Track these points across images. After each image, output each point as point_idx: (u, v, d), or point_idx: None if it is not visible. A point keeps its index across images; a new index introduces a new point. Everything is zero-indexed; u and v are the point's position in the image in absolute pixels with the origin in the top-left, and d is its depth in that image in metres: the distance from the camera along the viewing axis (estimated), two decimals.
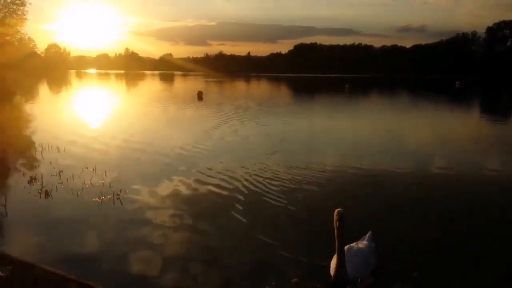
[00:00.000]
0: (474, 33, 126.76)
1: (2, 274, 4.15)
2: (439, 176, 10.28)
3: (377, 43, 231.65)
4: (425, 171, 10.65)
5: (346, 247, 5.13)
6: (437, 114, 26.37)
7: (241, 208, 7.67)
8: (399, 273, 5.21)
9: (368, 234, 5.61)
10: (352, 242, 5.39)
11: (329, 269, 5.02)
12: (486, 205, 8.09)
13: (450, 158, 12.34)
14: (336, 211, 4.85)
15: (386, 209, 7.77)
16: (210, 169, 10.32)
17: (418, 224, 7.00)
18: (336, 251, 4.80)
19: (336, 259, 4.84)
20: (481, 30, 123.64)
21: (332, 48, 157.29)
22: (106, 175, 9.58)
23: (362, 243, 5.37)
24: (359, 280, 4.85)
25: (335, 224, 4.79)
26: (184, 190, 8.66)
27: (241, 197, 8.26)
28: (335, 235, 4.81)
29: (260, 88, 62.05)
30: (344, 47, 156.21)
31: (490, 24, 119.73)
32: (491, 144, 15.40)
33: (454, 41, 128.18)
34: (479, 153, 13.40)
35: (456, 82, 60.56)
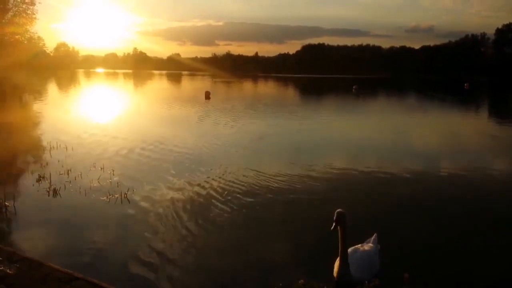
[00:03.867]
0: (483, 34, 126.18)
1: (10, 272, 4.18)
2: (447, 178, 10.19)
3: (385, 43, 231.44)
4: (432, 173, 10.58)
5: (351, 249, 5.16)
6: (446, 115, 26.21)
7: (247, 207, 7.67)
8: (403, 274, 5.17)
9: (373, 236, 5.58)
10: (358, 244, 5.39)
11: (333, 270, 5.03)
12: (493, 208, 8.01)
13: (458, 160, 12.25)
14: (336, 211, 4.87)
15: (392, 211, 7.73)
16: (217, 169, 10.33)
17: (425, 226, 6.95)
18: (339, 251, 4.81)
19: (339, 260, 4.85)
20: (489, 31, 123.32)
21: (340, 48, 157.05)
22: (114, 174, 9.62)
23: (367, 245, 5.35)
24: (366, 282, 4.83)
25: (334, 224, 4.82)
26: (191, 189, 8.65)
27: (248, 197, 8.25)
28: (339, 236, 4.83)
29: (268, 88, 62.00)
30: (352, 48, 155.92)
31: (499, 25, 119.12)
32: (500, 147, 15.28)
33: (463, 42, 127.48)
34: (488, 156, 13.30)
35: (465, 84, 60.15)
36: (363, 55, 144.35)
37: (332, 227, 4.85)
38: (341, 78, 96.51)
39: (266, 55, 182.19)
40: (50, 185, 8.59)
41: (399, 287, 4.88)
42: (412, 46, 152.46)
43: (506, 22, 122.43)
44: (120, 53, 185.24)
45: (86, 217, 7.14)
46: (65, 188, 8.54)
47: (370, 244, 5.39)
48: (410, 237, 6.49)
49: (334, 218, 4.84)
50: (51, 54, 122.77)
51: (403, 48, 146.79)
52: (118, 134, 15.58)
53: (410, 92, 53.37)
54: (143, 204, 7.78)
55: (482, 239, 6.50)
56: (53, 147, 12.35)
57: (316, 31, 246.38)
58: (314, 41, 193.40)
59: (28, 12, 49.02)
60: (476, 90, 59.03)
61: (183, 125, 19.32)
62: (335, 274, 4.92)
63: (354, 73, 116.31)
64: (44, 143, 13.09)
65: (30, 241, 6.13)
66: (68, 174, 9.56)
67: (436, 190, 9.20)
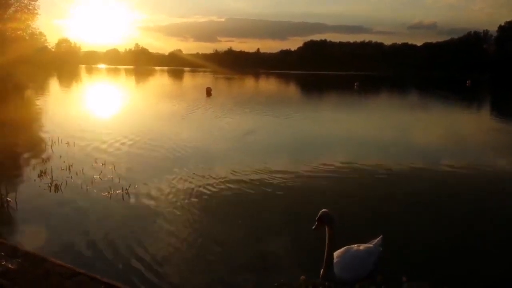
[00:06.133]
0: (485, 32, 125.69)
1: (11, 267, 4.18)
2: (450, 177, 10.15)
3: (387, 40, 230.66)
4: (436, 172, 10.54)
5: (344, 248, 5.13)
6: (448, 113, 26.16)
7: (248, 204, 7.69)
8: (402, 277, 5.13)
9: (379, 237, 5.46)
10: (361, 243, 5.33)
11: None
12: (498, 207, 7.97)
13: (462, 159, 12.16)
14: (320, 211, 4.82)
15: (393, 211, 7.69)
16: (217, 166, 10.33)
17: (426, 227, 6.91)
18: (325, 253, 4.79)
19: (324, 261, 4.82)
20: (492, 28, 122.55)
21: (342, 45, 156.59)
22: (115, 170, 9.63)
23: (363, 246, 5.24)
24: (357, 284, 4.80)
25: (316, 224, 4.78)
26: (192, 185, 8.66)
27: (248, 193, 8.27)
28: (326, 237, 4.80)
29: (269, 85, 61.98)
30: (354, 45, 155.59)
31: (501, 23, 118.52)
32: (505, 145, 15.24)
33: (466, 39, 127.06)
34: (492, 154, 13.25)
35: (467, 81, 60.06)
36: (365, 51, 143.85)
37: (314, 226, 4.78)
38: (343, 75, 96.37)
39: (268, 51, 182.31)
40: (52, 181, 8.60)
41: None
42: (414, 43, 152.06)
43: (508, 19, 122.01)
44: (121, 49, 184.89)
45: (87, 213, 7.15)
46: (66, 183, 8.55)
47: (368, 245, 5.29)
48: (410, 237, 6.46)
49: (317, 217, 4.78)
50: (53, 50, 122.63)
51: (405, 45, 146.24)
52: (119, 130, 15.59)
53: (412, 89, 53.28)
54: (144, 199, 7.79)
55: (486, 239, 6.46)
56: (55, 143, 12.36)
57: (318, 27, 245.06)
58: (316, 37, 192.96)
59: (30, 7, 49.04)
60: (478, 87, 58.91)
61: (185, 121, 19.30)
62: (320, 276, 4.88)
63: (356, 69, 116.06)
64: (46, 139, 13.10)
65: (31, 236, 6.15)
66: (69, 169, 9.57)
67: (438, 189, 9.12)
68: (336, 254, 4.97)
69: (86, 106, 26.27)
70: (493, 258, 5.79)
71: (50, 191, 8.13)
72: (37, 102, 27.06)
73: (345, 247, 5.16)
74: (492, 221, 7.17)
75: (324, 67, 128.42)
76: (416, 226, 6.89)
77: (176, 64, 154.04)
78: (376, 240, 5.44)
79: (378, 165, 10.70)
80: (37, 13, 50.73)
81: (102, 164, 10.08)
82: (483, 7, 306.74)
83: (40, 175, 9.06)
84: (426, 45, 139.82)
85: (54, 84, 50.20)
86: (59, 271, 4.12)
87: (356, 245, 5.25)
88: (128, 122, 18.77)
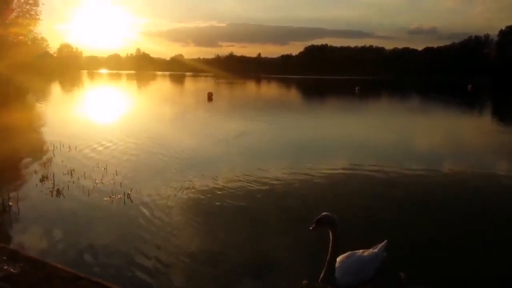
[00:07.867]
0: (486, 36, 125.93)
1: (13, 271, 4.19)
2: (451, 180, 10.14)
3: (388, 45, 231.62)
4: (438, 176, 10.53)
5: (348, 253, 5.12)
6: (450, 118, 26.15)
7: (250, 209, 7.67)
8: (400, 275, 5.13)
9: (383, 242, 5.39)
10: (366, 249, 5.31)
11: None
12: (498, 208, 7.95)
13: (462, 161, 12.18)
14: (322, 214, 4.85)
15: (395, 214, 7.69)
16: (218, 170, 10.32)
17: (428, 229, 6.90)
18: (328, 256, 4.80)
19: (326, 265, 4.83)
20: (492, 32, 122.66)
21: (343, 50, 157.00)
22: (117, 175, 9.63)
23: (367, 251, 5.22)
24: None
25: (314, 225, 4.81)
26: (193, 190, 8.65)
27: (250, 198, 8.24)
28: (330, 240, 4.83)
29: (271, 90, 62.10)
30: (355, 49, 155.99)
31: (502, 27, 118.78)
32: (505, 148, 15.22)
33: (466, 44, 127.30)
34: (492, 157, 13.23)
35: (468, 86, 60.05)
36: (366, 56, 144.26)
37: (312, 227, 4.81)
38: (344, 80, 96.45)
39: (269, 56, 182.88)
40: (54, 185, 8.61)
41: None
42: (415, 47, 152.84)
43: (509, 23, 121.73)
44: (123, 54, 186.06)
45: (89, 217, 7.16)
46: (68, 188, 8.56)
47: (372, 250, 5.25)
48: (411, 239, 6.45)
49: (316, 218, 4.80)
50: (55, 55, 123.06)
51: (406, 50, 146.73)
52: (121, 135, 15.60)
53: (413, 94, 53.27)
54: (146, 204, 7.78)
55: (486, 239, 6.44)
56: (57, 148, 12.38)
57: (318, 32, 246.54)
58: (317, 42, 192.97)
59: (32, 13, 49.31)
60: (479, 92, 58.88)
61: (186, 126, 19.34)
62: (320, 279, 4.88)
63: (357, 74, 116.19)
64: (48, 144, 13.12)
65: (33, 240, 6.15)
66: (71, 174, 9.58)
67: (439, 192, 9.11)
68: (339, 259, 4.96)
69: (88, 111, 26.29)
70: (493, 258, 5.78)
71: (52, 196, 8.14)
72: (39, 107, 27.14)
73: (349, 252, 5.14)
74: (492, 222, 7.17)
75: (325, 71, 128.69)
76: (417, 228, 6.88)
77: (177, 69, 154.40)
78: (380, 245, 5.39)
79: (379, 168, 10.68)
80: (39, 19, 51.10)
81: (104, 169, 10.09)
82: (483, 11, 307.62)
83: (42, 180, 9.07)
84: (427, 50, 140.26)
85: (55, 89, 50.31)
86: (60, 275, 4.12)
87: (361, 250, 5.22)
88: (129, 127, 18.79)
